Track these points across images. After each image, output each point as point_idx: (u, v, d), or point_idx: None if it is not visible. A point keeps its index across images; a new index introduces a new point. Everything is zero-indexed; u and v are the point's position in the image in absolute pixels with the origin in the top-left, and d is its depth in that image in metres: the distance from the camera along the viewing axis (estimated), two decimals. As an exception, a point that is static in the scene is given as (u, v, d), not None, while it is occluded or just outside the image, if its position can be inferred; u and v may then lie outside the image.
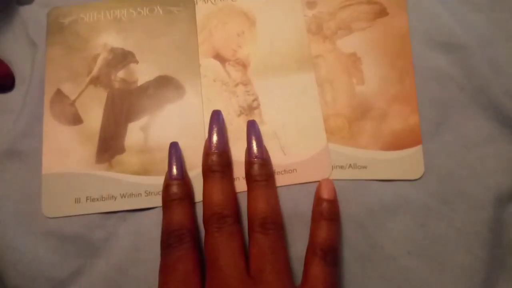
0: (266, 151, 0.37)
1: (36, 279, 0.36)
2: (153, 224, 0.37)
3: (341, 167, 0.37)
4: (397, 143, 0.38)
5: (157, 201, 0.37)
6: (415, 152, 0.37)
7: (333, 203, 0.35)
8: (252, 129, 0.37)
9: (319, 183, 0.36)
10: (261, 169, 0.35)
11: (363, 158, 0.38)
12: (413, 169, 0.37)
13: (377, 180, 0.37)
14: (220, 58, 0.40)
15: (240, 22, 0.41)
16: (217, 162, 0.35)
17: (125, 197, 0.37)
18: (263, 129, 0.38)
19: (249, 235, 0.33)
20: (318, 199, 0.35)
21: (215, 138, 0.35)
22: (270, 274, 0.31)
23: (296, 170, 0.38)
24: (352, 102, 0.39)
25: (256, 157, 0.36)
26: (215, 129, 0.36)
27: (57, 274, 0.36)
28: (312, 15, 0.41)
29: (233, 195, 0.35)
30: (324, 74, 0.39)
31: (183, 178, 0.35)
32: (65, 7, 0.42)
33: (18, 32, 0.42)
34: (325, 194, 0.35)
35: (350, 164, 0.37)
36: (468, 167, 0.37)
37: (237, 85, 0.39)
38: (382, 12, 0.41)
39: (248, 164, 0.36)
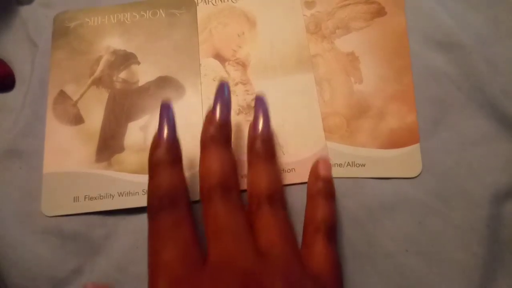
0: (272, 131, 0.33)
1: (36, 277, 0.36)
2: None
3: (340, 165, 0.37)
4: (395, 141, 0.38)
5: (155, 199, 0.37)
6: (413, 150, 0.37)
7: (331, 180, 0.33)
8: (261, 104, 0.34)
9: (316, 160, 0.34)
10: (266, 145, 0.32)
11: (361, 156, 0.38)
12: (411, 167, 0.37)
13: (375, 178, 0.37)
14: (220, 58, 0.41)
15: (241, 23, 0.42)
16: (220, 133, 0.32)
17: (122, 195, 0.37)
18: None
19: (252, 211, 0.30)
20: (315, 176, 0.33)
21: (219, 109, 0.32)
22: (281, 247, 0.28)
23: (295, 169, 0.38)
24: (350, 101, 0.39)
25: (262, 132, 0.33)
26: (219, 101, 0.33)
27: (57, 272, 0.36)
28: (311, 14, 0.41)
29: (236, 169, 0.31)
30: (323, 73, 0.40)
31: (176, 142, 0.32)
32: (71, 12, 0.43)
33: (18, 32, 0.43)
34: (323, 171, 0.33)
35: (348, 162, 0.37)
36: (466, 165, 0.37)
37: (236, 84, 0.40)
38: (380, 12, 0.41)
39: (253, 138, 0.33)
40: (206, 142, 0.31)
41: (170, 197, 0.29)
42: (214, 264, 0.27)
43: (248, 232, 0.28)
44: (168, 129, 0.32)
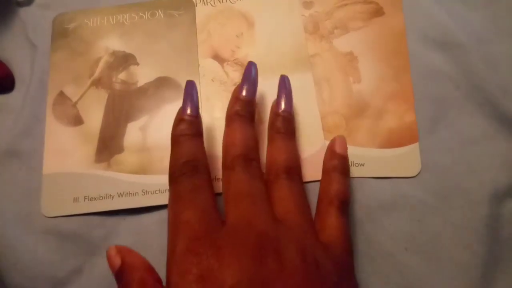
0: (294, 110, 0.37)
1: (35, 278, 0.36)
2: (153, 223, 0.37)
3: (339, 164, 0.37)
4: (394, 140, 0.38)
5: (154, 200, 0.37)
6: (412, 150, 0.37)
7: (346, 158, 0.34)
8: (284, 84, 0.36)
9: (334, 138, 0.35)
10: (287, 122, 0.35)
11: (360, 155, 0.38)
12: (410, 167, 0.37)
13: (374, 177, 0.37)
14: (218, 58, 0.41)
15: (239, 24, 0.42)
16: (245, 109, 0.34)
17: (122, 196, 0.37)
18: (261, 129, 0.38)
19: (270, 182, 0.32)
20: (332, 153, 0.34)
21: (246, 87, 0.34)
22: (297, 215, 0.30)
23: (294, 169, 0.38)
24: (349, 100, 0.39)
25: (284, 110, 0.35)
26: (246, 79, 0.35)
27: (57, 273, 0.36)
28: (309, 14, 0.41)
29: (257, 143, 0.34)
30: (321, 73, 0.40)
31: (198, 117, 0.33)
32: (70, 13, 0.43)
33: (18, 33, 0.43)
34: (339, 149, 0.34)
35: (347, 162, 0.37)
36: (465, 164, 0.37)
37: (235, 84, 0.40)
38: (378, 12, 0.41)
39: (275, 115, 0.35)
40: (231, 117, 0.33)
41: (192, 163, 0.31)
42: (232, 226, 0.28)
43: (266, 199, 0.30)
44: (192, 105, 0.33)
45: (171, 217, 0.29)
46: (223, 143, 0.33)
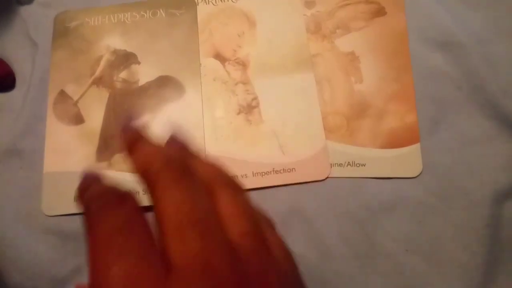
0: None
1: (36, 277, 0.36)
2: (153, 222, 0.37)
3: (340, 165, 0.37)
4: (395, 141, 0.38)
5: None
6: (413, 150, 0.37)
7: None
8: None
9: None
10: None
11: (361, 156, 0.38)
12: (411, 167, 0.37)
13: (375, 178, 0.37)
14: (220, 57, 0.41)
15: (241, 23, 0.42)
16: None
17: (123, 195, 0.37)
18: (262, 128, 0.38)
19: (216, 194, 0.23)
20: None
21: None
22: (255, 237, 0.22)
23: (295, 169, 0.38)
24: (350, 101, 0.39)
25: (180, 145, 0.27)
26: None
27: (57, 272, 0.36)
28: (311, 14, 0.41)
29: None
30: (323, 73, 0.40)
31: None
32: (71, 12, 0.43)
33: (19, 32, 0.43)
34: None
35: (348, 162, 0.37)
36: (466, 164, 0.37)
37: (236, 84, 0.40)
38: (380, 12, 0.41)
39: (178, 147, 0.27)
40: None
41: (115, 193, 0.22)
42: (182, 272, 0.20)
43: (218, 223, 0.22)
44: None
45: (95, 272, 0.20)
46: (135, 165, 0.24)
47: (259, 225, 0.23)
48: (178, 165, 0.22)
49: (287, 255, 0.25)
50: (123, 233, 0.21)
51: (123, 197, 0.22)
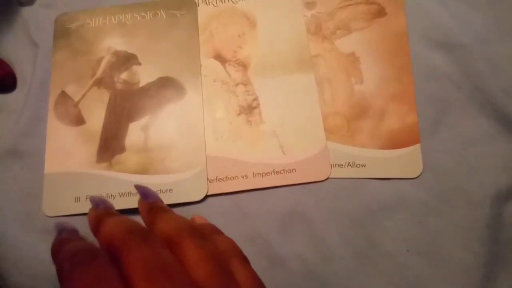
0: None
1: (36, 277, 0.36)
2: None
3: (340, 165, 0.38)
4: (396, 141, 0.38)
5: (156, 199, 0.37)
6: (413, 151, 0.37)
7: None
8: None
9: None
10: (160, 202, 0.30)
11: (362, 156, 0.38)
12: (411, 168, 0.37)
13: (375, 178, 0.37)
14: (220, 58, 0.41)
15: (241, 24, 0.42)
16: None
17: (123, 196, 0.37)
18: (263, 129, 0.38)
19: (173, 246, 0.24)
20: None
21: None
22: (220, 276, 0.23)
23: (295, 169, 0.38)
24: (350, 101, 0.39)
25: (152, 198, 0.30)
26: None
27: (58, 272, 0.36)
28: (311, 15, 0.41)
29: None
30: (323, 74, 0.40)
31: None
32: (72, 13, 0.43)
33: (20, 32, 0.43)
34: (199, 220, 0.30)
35: (349, 163, 0.38)
36: (466, 165, 0.37)
37: (237, 85, 0.40)
38: (380, 12, 0.41)
39: (147, 203, 0.30)
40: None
41: (86, 251, 0.23)
42: None
43: (183, 267, 0.23)
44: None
45: None
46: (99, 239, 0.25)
47: (225, 265, 0.24)
48: (138, 230, 0.23)
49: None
50: None
51: (94, 253, 0.23)
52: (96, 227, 0.26)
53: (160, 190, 0.37)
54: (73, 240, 0.24)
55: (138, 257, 0.22)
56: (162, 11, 0.43)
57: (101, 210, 0.28)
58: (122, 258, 0.22)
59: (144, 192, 0.30)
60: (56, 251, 0.24)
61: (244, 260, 0.26)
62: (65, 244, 0.24)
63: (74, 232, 0.26)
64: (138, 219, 0.37)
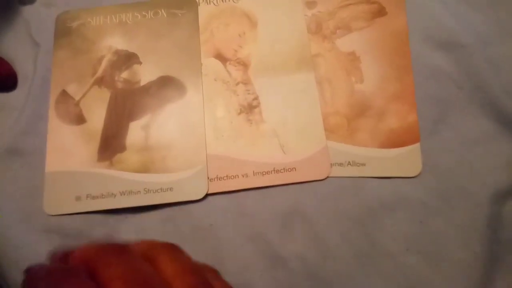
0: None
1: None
2: (154, 222, 0.37)
3: (340, 164, 0.38)
4: (396, 140, 0.38)
5: (156, 199, 0.37)
6: (413, 150, 0.37)
7: None
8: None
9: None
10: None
11: (362, 155, 0.38)
12: (411, 167, 0.37)
13: (375, 177, 0.37)
14: (221, 57, 0.41)
15: (242, 23, 0.42)
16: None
17: (124, 194, 0.37)
18: (263, 128, 0.38)
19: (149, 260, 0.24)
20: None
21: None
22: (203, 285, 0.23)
23: (295, 168, 0.38)
24: (351, 100, 0.39)
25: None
26: None
27: (59, 271, 0.36)
28: (312, 14, 0.41)
29: None
30: (323, 73, 0.40)
31: None
32: (73, 11, 0.43)
33: (21, 31, 0.43)
34: None
35: (349, 162, 0.38)
36: (466, 164, 0.37)
37: (237, 84, 0.40)
38: (381, 12, 0.41)
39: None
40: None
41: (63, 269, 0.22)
42: None
43: (162, 281, 0.22)
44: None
45: None
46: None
47: (204, 277, 0.24)
48: (114, 245, 0.23)
49: None
50: None
51: (71, 271, 0.21)
52: (65, 258, 0.23)
53: (161, 189, 0.37)
54: (46, 265, 0.23)
55: (117, 274, 0.21)
56: (162, 10, 0.43)
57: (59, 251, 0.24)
58: (100, 275, 0.21)
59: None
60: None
61: (216, 272, 0.26)
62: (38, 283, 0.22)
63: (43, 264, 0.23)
64: (139, 217, 0.37)
